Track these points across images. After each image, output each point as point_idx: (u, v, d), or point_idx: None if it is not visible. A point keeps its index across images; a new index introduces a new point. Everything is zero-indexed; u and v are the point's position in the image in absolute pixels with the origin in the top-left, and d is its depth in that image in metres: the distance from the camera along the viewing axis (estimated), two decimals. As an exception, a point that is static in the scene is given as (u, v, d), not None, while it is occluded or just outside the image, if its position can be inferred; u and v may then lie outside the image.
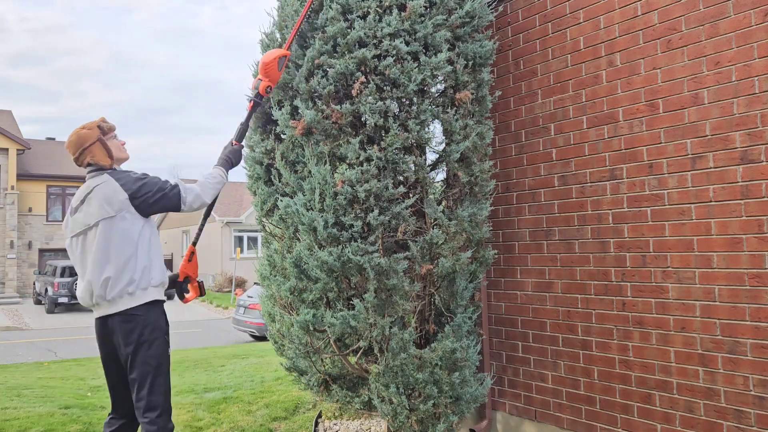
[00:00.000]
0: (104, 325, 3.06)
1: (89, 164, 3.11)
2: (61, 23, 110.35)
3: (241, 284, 27.26)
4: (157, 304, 3.12)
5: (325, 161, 3.60)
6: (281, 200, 3.70)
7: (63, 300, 20.98)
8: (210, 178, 3.27)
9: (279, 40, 4.08)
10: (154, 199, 3.02)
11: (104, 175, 3.05)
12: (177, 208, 3.10)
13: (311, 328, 3.68)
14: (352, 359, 3.82)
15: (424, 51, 3.61)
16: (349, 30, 3.58)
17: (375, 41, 3.53)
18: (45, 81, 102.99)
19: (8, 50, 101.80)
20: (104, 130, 3.14)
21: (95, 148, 3.09)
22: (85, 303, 3.10)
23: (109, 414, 3.24)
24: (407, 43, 3.57)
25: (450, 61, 3.70)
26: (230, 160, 3.46)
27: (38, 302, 23.50)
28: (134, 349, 2.97)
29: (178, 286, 3.51)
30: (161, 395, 3.04)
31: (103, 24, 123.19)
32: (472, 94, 3.82)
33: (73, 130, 3.14)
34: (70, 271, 21.43)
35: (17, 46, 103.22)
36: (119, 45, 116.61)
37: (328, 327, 3.58)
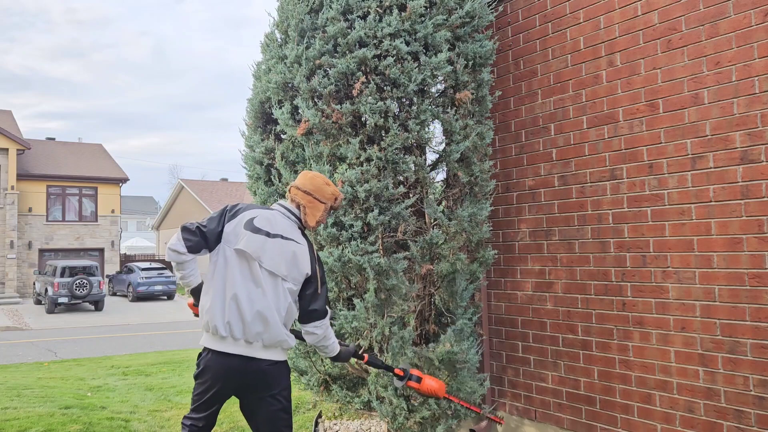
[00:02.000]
0: None
1: (297, 208, 2.90)
2: (108, 15, 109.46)
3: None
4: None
5: (325, 161, 3.60)
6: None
7: (63, 300, 20.96)
8: (333, 339, 2.95)
9: (279, 40, 4.08)
10: (312, 305, 2.82)
11: (303, 237, 2.86)
12: (312, 321, 2.86)
13: None
14: (352, 359, 3.83)
15: (424, 51, 3.62)
16: (349, 30, 3.58)
17: (375, 41, 3.54)
18: (81, 75, 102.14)
19: (49, 43, 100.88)
20: (335, 207, 2.98)
21: (323, 209, 2.89)
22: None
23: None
24: (407, 43, 3.57)
25: (450, 61, 3.70)
26: (344, 355, 3.02)
27: (38, 302, 23.47)
28: None
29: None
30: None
31: (150, 15, 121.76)
32: (472, 94, 3.82)
33: (319, 174, 3.01)
34: (70, 271, 21.42)
35: (60, 39, 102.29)
36: (164, 37, 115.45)
37: (332, 320, 3.59)
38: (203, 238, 2.75)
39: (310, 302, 2.79)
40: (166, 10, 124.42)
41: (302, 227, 2.89)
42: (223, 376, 2.72)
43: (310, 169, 3.65)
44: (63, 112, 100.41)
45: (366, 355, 3.13)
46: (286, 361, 2.86)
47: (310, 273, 2.78)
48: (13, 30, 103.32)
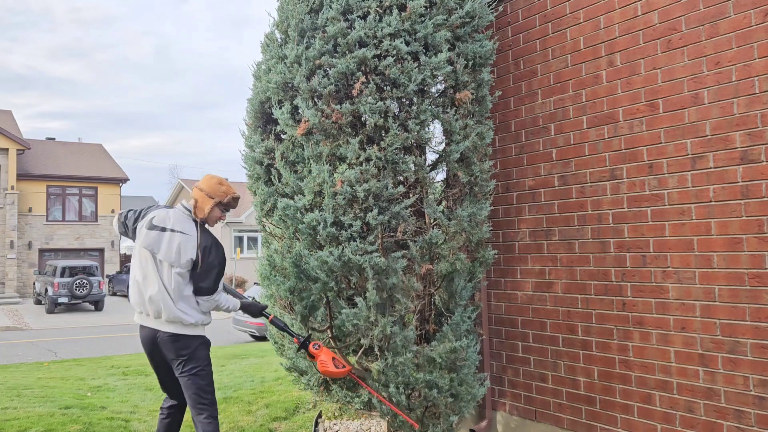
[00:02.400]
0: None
1: (194, 206, 3.46)
2: (112, 14, 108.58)
3: (241, 284, 27.25)
4: (202, 337, 3.49)
5: (325, 161, 3.60)
6: (281, 201, 3.70)
7: (63, 300, 20.97)
8: (230, 302, 3.52)
9: (278, 40, 4.08)
10: (200, 282, 3.34)
11: (194, 229, 3.37)
12: (201, 296, 3.38)
13: (311, 322, 3.68)
14: (353, 359, 3.82)
15: (424, 51, 3.61)
16: (349, 30, 3.58)
17: (375, 41, 3.53)
18: (83, 75, 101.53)
19: (52, 42, 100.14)
20: (224, 202, 3.46)
21: (212, 203, 3.41)
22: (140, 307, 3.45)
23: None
24: (407, 43, 3.57)
25: (450, 61, 3.70)
26: (249, 309, 3.62)
27: (38, 302, 23.47)
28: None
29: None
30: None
31: (153, 14, 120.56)
32: (472, 94, 3.82)
33: (218, 176, 3.57)
34: (70, 271, 21.42)
35: (63, 38, 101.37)
36: (167, 37, 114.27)
37: (332, 319, 3.59)
38: (126, 229, 3.52)
39: (198, 281, 3.32)
40: (170, 9, 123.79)
41: (201, 221, 3.42)
42: (145, 344, 3.42)
43: (311, 169, 3.65)
44: (64, 112, 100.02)
45: (271, 315, 3.65)
46: (195, 336, 3.37)
47: (194, 258, 3.29)
48: (16, 29, 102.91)
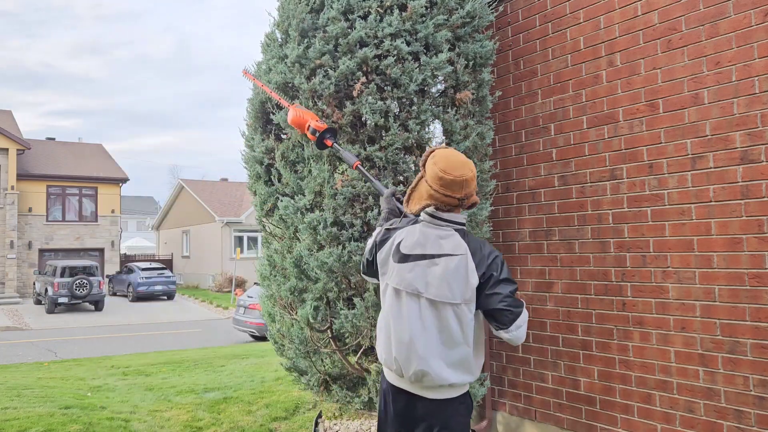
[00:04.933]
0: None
1: (452, 208, 2.26)
2: (133, 10, 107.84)
3: (241, 284, 27.25)
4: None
5: (325, 161, 3.61)
6: (281, 201, 3.70)
7: (63, 300, 20.97)
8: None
9: (279, 40, 4.08)
10: (494, 305, 2.15)
11: (458, 239, 2.23)
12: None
13: (311, 321, 3.68)
14: (352, 359, 3.83)
15: (424, 51, 3.62)
16: (350, 30, 3.59)
17: (376, 41, 3.54)
18: (101, 72, 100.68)
19: (71, 39, 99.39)
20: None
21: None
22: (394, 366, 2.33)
23: None
24: (408, 43, 3.57)
25: (450, 61, 3.71)
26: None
27: (38, 302, 23.47)
28: None
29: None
30: None
31: (176, 10, 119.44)
32: (473, 94, 3.82)
33: (464, 162, 2.26)
34: (70, 271, 21.42)
35: (82, 35, 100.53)
36: (188, 34, 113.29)
37: (332, 319, 3.59)
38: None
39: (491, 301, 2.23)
40: (193, 4, 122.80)
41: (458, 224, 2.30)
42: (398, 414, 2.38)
43: (311, 169, 3.64)
44: (78, 110, 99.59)
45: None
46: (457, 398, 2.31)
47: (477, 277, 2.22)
48: (35, 26, 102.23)
